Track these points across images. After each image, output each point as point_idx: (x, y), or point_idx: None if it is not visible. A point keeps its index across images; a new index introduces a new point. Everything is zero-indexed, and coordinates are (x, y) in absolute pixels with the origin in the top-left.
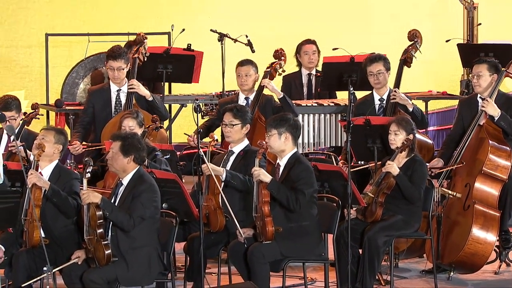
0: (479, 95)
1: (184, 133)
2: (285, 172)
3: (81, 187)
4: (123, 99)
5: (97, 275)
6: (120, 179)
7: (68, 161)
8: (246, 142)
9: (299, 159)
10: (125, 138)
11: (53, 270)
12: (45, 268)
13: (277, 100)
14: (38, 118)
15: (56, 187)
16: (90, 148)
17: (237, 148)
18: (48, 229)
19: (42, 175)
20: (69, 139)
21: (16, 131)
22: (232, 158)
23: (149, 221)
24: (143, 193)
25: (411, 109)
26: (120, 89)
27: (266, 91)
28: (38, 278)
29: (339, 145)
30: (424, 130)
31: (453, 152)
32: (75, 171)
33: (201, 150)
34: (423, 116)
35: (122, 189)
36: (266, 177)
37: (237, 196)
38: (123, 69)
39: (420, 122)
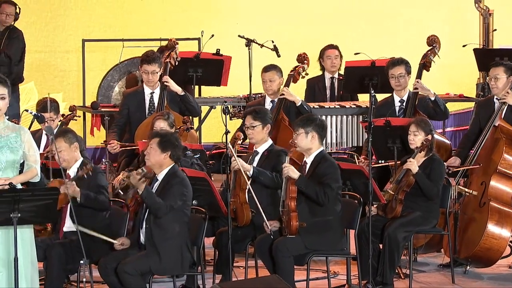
0: (495, 97)
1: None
2: (311, 169)
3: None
4: (156, 101)
5: (131, 267)
6: (156, 175)
7: (103, 160)
8: (270, 142)
9: (325, 157)
10: (164, 135)
11: (105, 237)
12: (82, 262)
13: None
14: (75, 120)
15: (85, 192)
16: (125, 148)
17: (261, 148)
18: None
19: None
20: (105, 138)
21: (55, 131)
22: (257, 158)
23: (179, 213)
24: (174, 185)
25: (433, 98)
26: (154, 92)
27: None
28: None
29: (361, 145)
30: (442, 131)
31: (469, 151)
32: (102, 167)
33: (230, 147)
34: (445, 106)
35: (157, 184)
36: (295, 174)
37: (264, 192)
38: (157, 72)
39: (443, 112)
